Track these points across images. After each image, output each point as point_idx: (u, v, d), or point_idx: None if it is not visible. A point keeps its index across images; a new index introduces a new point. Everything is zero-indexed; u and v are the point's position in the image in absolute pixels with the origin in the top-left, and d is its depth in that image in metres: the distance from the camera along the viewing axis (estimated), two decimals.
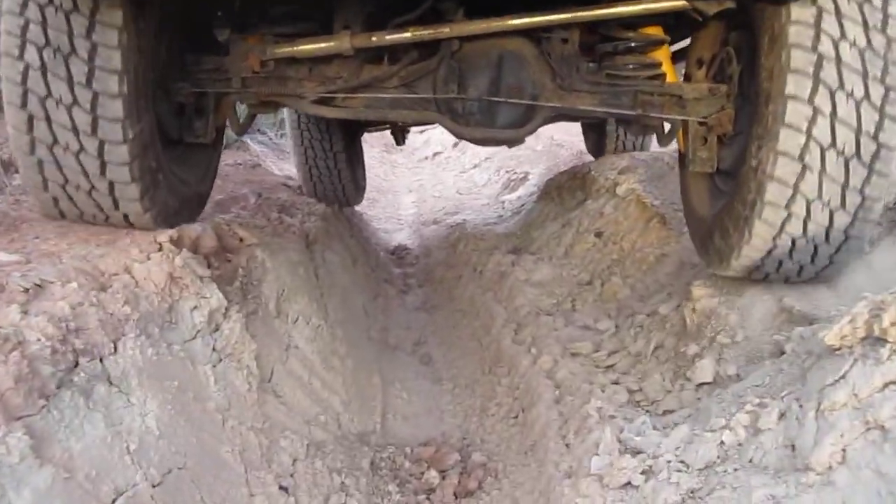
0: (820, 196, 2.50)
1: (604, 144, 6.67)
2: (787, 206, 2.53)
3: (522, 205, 7.41)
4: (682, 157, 3.27)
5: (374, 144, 13.27)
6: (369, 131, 6.62)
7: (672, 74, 3.16)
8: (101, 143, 2.59)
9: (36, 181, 2.72)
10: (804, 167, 2.47)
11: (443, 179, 11.41)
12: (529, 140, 10.65)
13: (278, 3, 3.07)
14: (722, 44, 3.07)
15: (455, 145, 15.01)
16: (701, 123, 3.00)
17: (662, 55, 3.16)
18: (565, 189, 5.86)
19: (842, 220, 2.55)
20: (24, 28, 2.43)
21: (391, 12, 2.91)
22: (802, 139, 2.44)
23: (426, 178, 12.14)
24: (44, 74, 2.47)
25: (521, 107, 3.08)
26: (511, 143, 3.52)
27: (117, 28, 2.47)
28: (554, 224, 5.33)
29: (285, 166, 8.80)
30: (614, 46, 3.07)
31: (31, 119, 2.55)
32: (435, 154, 14.61)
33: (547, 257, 4.92)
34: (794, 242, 2.60)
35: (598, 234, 4.78)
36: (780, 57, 2.45)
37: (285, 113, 6.49)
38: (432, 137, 16.79)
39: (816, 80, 2.40)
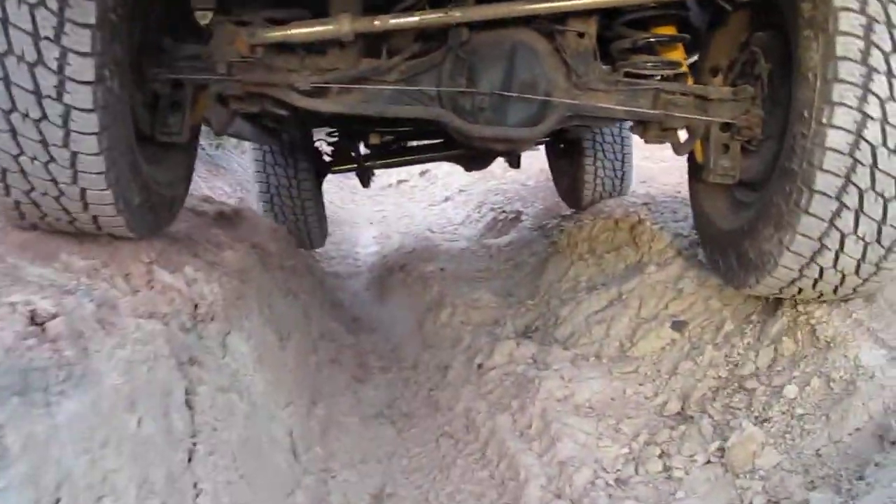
0: (856, 231, 2.27)
1: (580, 189, 5.65)
2: (821, 239, 2.30)
3: (518, 253, 5.56)
4: (695, 167, 3.10)
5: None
6: (334, 172, 5.80)
7: (689, 77, 2.93)
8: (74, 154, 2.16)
9: None
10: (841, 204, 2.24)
11: (410, 212, 9.54)
12: (518, 174, 8.91)
13: None
14: (741, 48, 2.86)
15: (422, 174, 13.21)
16: (724, 129, 2.82)
17: (680, 55, 2.94)
18: (603, 243, 4.01)
19: (875, 253, 2.33)
20: None
21: (393, 4, 2.62)
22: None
23: (390, 208, 10.25)
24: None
25: (533, 104, 2.80)
26: (522, 144, 3.25)
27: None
28: (594, 298, 3.46)
29: (217, 184, 6.85)
30: (632, 43, 2.86)
31: None
32: (399, 182, 12.74)
33: (592, 355, 3.06)
34: (822, 272, 2.38)
35: (679, 326, 2.92)
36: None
37: (248, 148, 5.81)
38: None
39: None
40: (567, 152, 5.84)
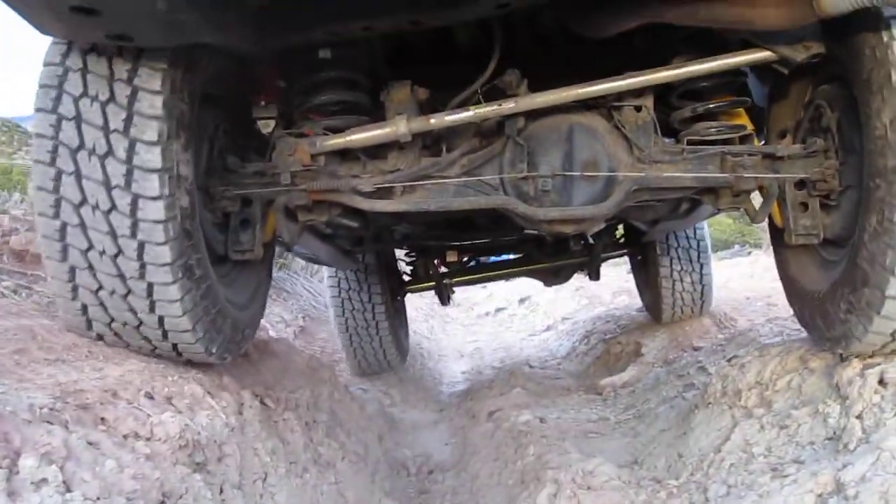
0: None
1: (659, 303, 5.54)
2: None
3: (643, 399, 4.13)
4: (777, 233, 2.84)
5: (425, 295, 10.23)
6: (412, 291, 5.72)
7: (756, 141, 2.82)
8: (150, 285, 2.19)
9: (78, 322, 2.33)
10: None
11: (507, 343, 8.21)
12: (631, 299, 7.50)
13: (325, 89, 2.66)
14: (805, 106, 2.69)
15: (521, 301, 11.93)
16: (800, 187, 2.63)
17: (744, 120, 2.79)
18: (784, 392, 2.57)
19: None
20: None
21: (445, 94, 2.64)
22: None
23: (485, 339, 8.96)
24: (78, 179, 2.11)
25: (598, 182, 2.67)
26: (593, 221, 2.84)
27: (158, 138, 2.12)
28: (789, 489, 2.01)
29: (275, 310, 5.74)
30: (692, 111, 2.70)
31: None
32: (497, 310, 11.56)
33: None
34: None
35: None
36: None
37: (325, 271, 5.69)
38: (496, 292, 13.81)
39: None
40: (646, 266, 5.79)
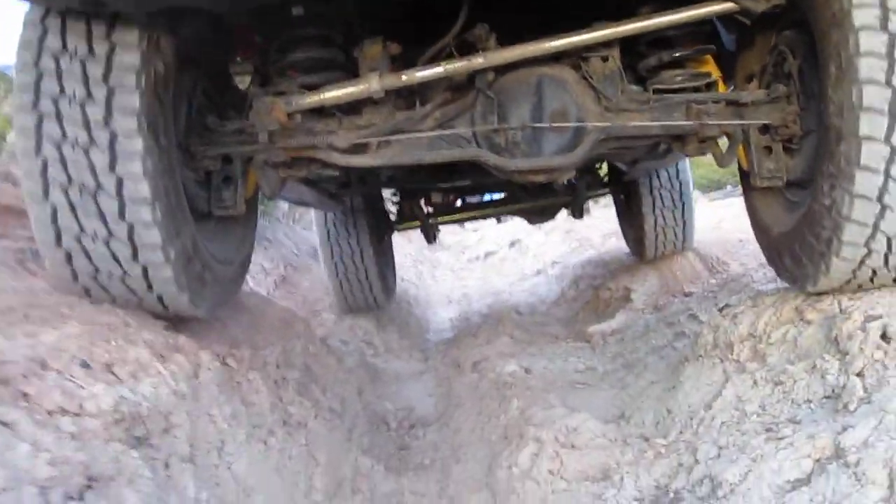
0: None
1: (643, 240, 5.64)
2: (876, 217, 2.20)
3: (632, 347, 3.98)
4: (746, 176, 2.91)
5: (414, 239, 10.02)
6: (399, 230, 5.85)
7: (723, 87, 2.88)
8: (131, 226, 2.25)
9: (63, 272, 2.34)
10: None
11: (496, 288, 8.06)
12: (621, 242, 7.33)
13: (299, 46, 2.71)
14: (770, 51, 2.76)
15: (512, 245, 11.76)
16: (763, 131, 2.73)
17: (710, 67, 2.86)
18: (780, 346, 2.40)
19: None
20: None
21: (417, 48, 2.66)
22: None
23: (473, 284, 8.81)
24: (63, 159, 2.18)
25: (566, 132, 2.74)
26: (563, 170, 2.94)
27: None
28: (784, 453, 1.86)
29: (255, 260, 5.54)
30: (658, 59, 2.78)
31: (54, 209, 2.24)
32: (487, 254, 11.38)
33: None
34: (889, 243, 2.25)
35: None
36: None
37: (312, 213, 5.82)
38: (486, 235, 13.63)
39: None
40: (630, 204, 5.85)
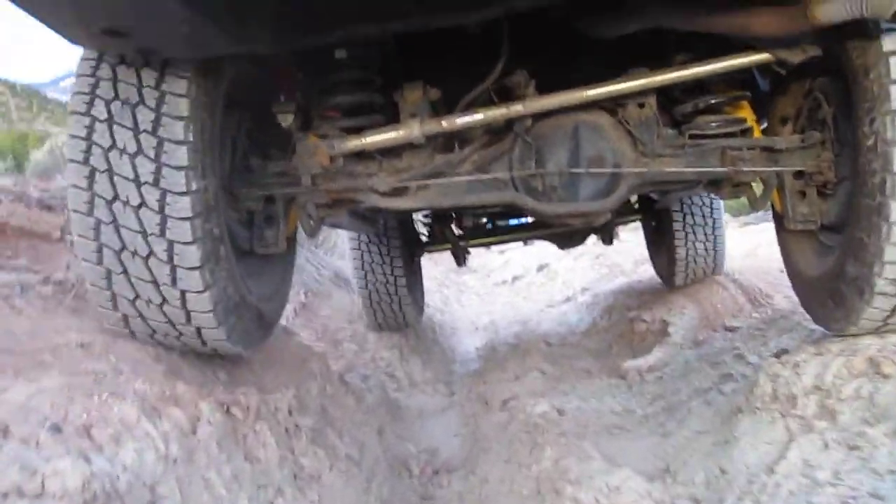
0: None
1: (673, 268, 5.53)
2: None
3: (673, 388, 3.69)
4: (779, 219, 2.94)
5: (440, 262, 9.76)
6: (429, 251, 5.84)
7: (758, 132, 2.86)
8: (174, 267, 2.24)
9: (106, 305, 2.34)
10: None
11: (524, 315, 7.76)
12: (647, 268, 7.03)
13: (340, 89, 2.77)
14: (805, 95, 2.76)
15: (540, 269, 11.46)
16: (797, 176, 2.73)
17: (746, 112, 2.86)
18: (852, 402, 2.10)
19: None
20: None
21: (457, 90, 2.73)
22: None
23: (500, 310, 8.52)
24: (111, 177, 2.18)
25: (603, 177, 2.78)
26: (598, 216, 2.98)
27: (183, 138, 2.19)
28: None
29: None
30: (694, 105, 2.80)
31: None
32: (514, 278, 11.09)
33: None
34: None
35: None
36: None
37: (345, 235, 5.94)
38: (513, 258, 13.34)
39: None
40: (660, 231, 5.82)
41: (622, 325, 5.54)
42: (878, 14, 1.93)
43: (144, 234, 2.17)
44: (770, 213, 3.18)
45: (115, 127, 2.16)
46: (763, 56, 2.48)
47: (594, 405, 3.79)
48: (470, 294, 9.95)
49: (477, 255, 12.30)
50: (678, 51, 2.75)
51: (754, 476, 2.17)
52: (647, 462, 2.84)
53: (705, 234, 5.41)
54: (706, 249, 5.43)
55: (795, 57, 2.45)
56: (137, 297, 2.28)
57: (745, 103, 2.89)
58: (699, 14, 2.37)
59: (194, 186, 2.19)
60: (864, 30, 2.17)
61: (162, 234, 2.17)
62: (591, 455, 2.86)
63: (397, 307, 5.50)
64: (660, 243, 5.88)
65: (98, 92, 2.18)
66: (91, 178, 2.16)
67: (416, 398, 4.58)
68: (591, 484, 2.51)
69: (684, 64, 2.62)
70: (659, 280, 6.26)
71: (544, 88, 2.67)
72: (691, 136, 2.77)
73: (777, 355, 2.62)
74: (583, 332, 6.15)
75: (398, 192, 2.80)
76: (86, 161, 2.15)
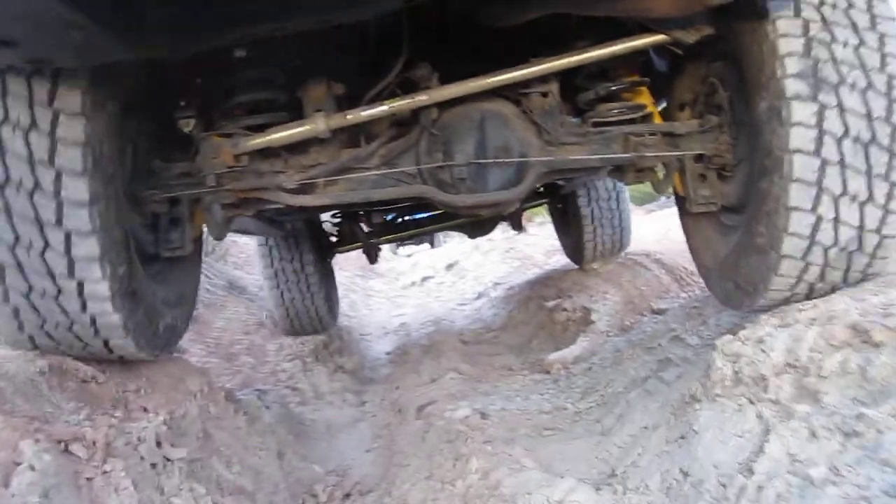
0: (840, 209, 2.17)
1: (581, 247, 5.68)
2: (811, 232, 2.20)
3: (605, 380, 3.32)
4: (682, 202, 2.97)
5: (345, 267, 9.24)
6: (340, 251, 5.71)
7: (658, 117, 2.92)
8: (81, 282, 2.18)
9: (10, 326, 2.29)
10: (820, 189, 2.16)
11: (436, 314, 7.34)
12: (560, 258, 6.69)
13: (242, 88, 2.73)
14: (702, 81, 2.81)
15: (449, 267, 11.09)
16: (698, 160, 2.76)
17: (646, 98, 2.91)
18: (839, 379, 1.73)
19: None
20: None
21: (361, 87, 2.67)
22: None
23: (411, 312, 8.08)
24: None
25: (511, 167, 2.79)
26: (507, 205, 3.02)
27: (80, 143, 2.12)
28: None
29: None
30: (595, 93, 2.85)
31: None
32: (424, 279, 10.69)
33: None
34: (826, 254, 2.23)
35: None
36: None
37: (250, 240, 5.99)
38: (421, 260, 12.92)
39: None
40: (566, 212, 5.92)
41: (541, 316, 5.17)
42: None
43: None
44: (672, 199, 3.20)
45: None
46: (659, 37, 2.52)
47: (520, 405, 3.39)
48: (378, 298, 9.48)
49: (384, 259, 11.84)
50: (578, 37, 2.72)
51: (728, 478, 1.79)
52: (590, 467, 2.45)
53: (610, 210, 5.55)
54: (612, 225, 5.56)
55: (690, 37, 2.48)
56: (32, 290, 2.19)
57: (644, 89, 2.94)
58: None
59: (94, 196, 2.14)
60: (753, 10, 2.21)
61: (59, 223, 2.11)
62: (524, 464, 2.45)
63: (311, 308, 5.35)
64: (567, 224, 5.97)
65: None
66: None
67: (323, 411, 4.08)
68: (529, 501, 2.09)
69: (584, 49, 2.62)
70: (575, 267, 5.96)
71: (449, 80, 2.66)
72: (594, 124, 2.82)
73: (734, 332, 2.25)
74: (499, 328, 5.76)
75: (306, 188, 2.75)
76: None
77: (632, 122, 2.82)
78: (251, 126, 2.69)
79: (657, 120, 2.90)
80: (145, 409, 2.25)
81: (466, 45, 2.85)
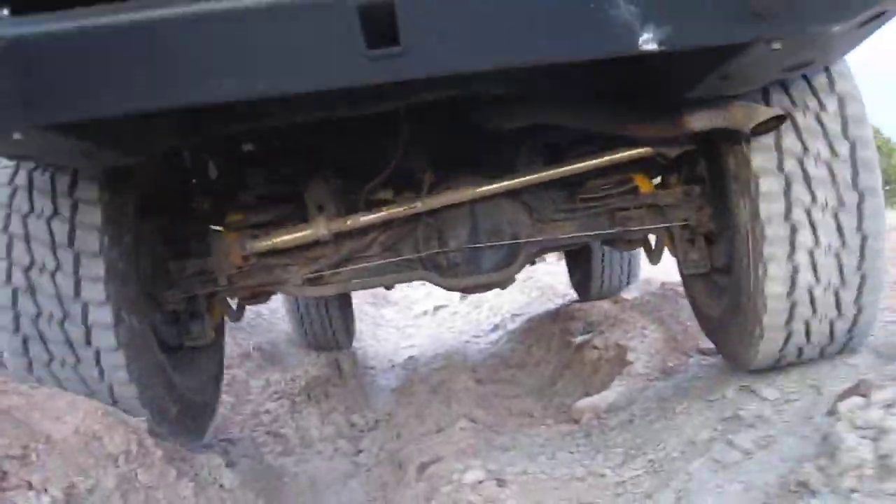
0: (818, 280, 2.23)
1: (589, 282, 5.60)
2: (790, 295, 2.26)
3: (652, 440, 2.64)
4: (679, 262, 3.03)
5: (357, 295, 8.59)
6: None
7: (647, 184, 2.93)
8: (111, 386, 2.36)
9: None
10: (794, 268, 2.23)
11: (449, 348, 6.66)
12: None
13: (250, 184, 2.96)
14: (684, 153, 2.76)
15: (463, 297, 10.42)
16: (684, 227, 2.85)
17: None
18: None
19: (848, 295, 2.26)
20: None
21: (360, 181, 2.87)
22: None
23: (422, 343, 7.43)
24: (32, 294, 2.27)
25: (503, 248, 2.96)
26: (502, 285, 3.16)
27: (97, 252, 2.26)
28: None
29: None
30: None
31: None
32: (437, 308, 10.02)
33: None
34: (808, 325, 2.31)
35: None
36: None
37: None
38: (435, 289, 12.23)
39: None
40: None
41: (566, 353, 4.48)
42: (738, 126, 2.06)
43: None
44: None
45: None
46: (645, 150, 2.65)
47: (545, 466, 2.71)
48: (388, 328, 8.81)
49: (397, 287, 11.21)
50: (571, 144, 2.89)
51: None
52: None
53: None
54: (621, 264, 5.56)
55: (673, 152, 2.62)
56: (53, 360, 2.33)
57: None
58: (582, 117, 2.50)
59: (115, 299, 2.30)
60: (732, 135, 2.23)
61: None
62: None
63: (329, 329, 5.56)
64: (577, 256, 5.88)
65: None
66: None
67: (310, 463, 3.41)
68: None
69: (577, 157, 2.76)
70: (605, 299, 5.31)
71: (443, 166, 2.85)
72: (582, 199, 2.91)
73: (856, 387, 1.58)
74: (517, 364, 5.08)
75: (313, 281, 2.92)
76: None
77: (620, 194, 2.88)
78: (257, 223, 2.88)
79: (645, 188, 2.91)
80: (29, 485, 1.60)
81: (464, 138, 2.93)
